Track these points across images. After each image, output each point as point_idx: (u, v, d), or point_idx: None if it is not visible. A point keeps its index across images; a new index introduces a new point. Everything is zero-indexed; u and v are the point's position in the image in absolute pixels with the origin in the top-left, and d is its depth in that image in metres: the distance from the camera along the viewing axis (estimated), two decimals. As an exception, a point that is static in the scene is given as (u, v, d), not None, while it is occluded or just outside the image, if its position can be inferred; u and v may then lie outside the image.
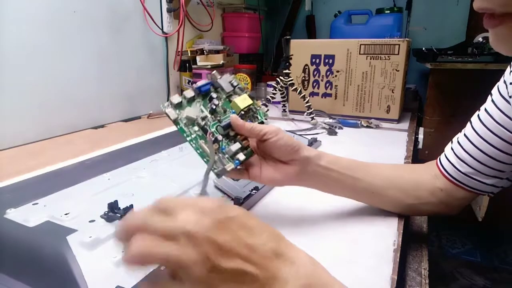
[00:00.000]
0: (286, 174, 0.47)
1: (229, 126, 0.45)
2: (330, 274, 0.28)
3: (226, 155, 0.44)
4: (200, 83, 0.45)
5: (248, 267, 0.25)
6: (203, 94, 0.46)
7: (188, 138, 0.44)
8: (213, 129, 0.45)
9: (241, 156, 0.44)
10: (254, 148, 0.48)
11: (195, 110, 0.45)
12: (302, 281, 0.26)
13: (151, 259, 0.24)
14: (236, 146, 0.44)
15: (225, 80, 0.47)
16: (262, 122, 0.48)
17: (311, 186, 0.50)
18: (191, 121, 0.44)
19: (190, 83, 1.32)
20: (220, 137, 0.44)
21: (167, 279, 0.26)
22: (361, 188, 0.50)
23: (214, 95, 0.46)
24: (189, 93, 0.45)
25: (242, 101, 0.46)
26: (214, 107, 0.45)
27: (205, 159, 0.44)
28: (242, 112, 0.46)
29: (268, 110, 1.10)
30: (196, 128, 0.44)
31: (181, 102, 0.44)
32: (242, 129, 0.45)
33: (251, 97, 0.48)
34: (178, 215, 0.25)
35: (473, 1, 0.31)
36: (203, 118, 0.45)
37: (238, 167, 0.46)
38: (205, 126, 0.45)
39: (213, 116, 0.46)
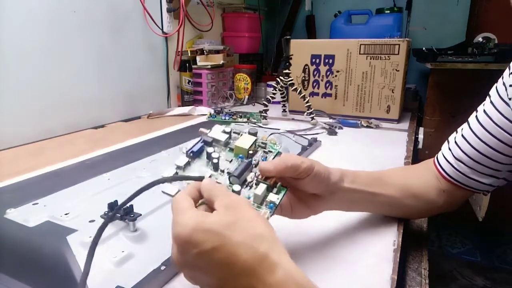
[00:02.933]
0: (316, 207, 0.43)
1: (243, 171, 0.37)
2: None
3: (255, 204, 0.36)
4: (190, 145, 0.39)
5: None
6: (196, 156, 0.39)
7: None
8: (227, 183, 0.37)
9: (273, 198, 0.36)
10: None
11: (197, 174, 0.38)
12: None
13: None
14: (261, 188, 0.36)
15: (216, 132, 0.41)
16: (280, 153, 0.41)
17: (332, 209, 0.46)
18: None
19: (190, 83, 1.32)
20: (238, 188, 0.36)
21: None
22: (379, 202, 0.49)
23: (210, 150, 0.39)
24: (182, 160, 0.38)
25: (245, 142, 0.39)
26: (216, 161, 0.38)
27: None
28: (250, 152, 0.39)
29: (267, 110, 1.10)
30: None
31: (177, 173, 0.38)
32: (274, 170, 0.37)
33: (252, 134, 0.41)
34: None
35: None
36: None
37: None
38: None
39: (219, 172, 0.38)
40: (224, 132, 0.41)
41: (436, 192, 0.51)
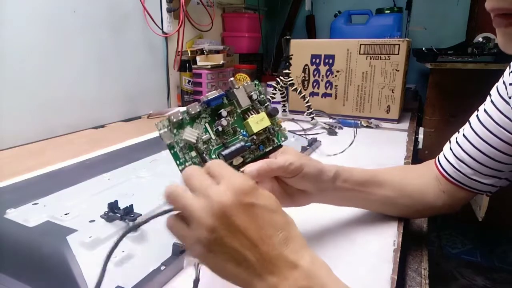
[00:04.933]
0: (302, 201, 0.44)
1: (233, 155, 0.37)
2: (332, 275, 0.29)
3: None
4: (211, 94, 0.37)
5: (249, 254, 0.27)
6: (212, 109, 0.38)
7: (180, 168, 0.36)
8: (213, 156, 0.37)
9: None
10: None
11: (197, 130, 0.37)
12: (299, 284, 0.27)
13: (174, 201, 0.30)
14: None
15: (243, 92, 0.39)
16: (280, 146, 0.41)
17: (325, 202, 0.48)
18: (189, 146, 0.36)
19: (190, 83, 1.32)
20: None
21: (180, 220, 0.30)
22: (373, 200, 0.49)
23: (224, 113, 0.37)
24: (195, 107, 0.37)
25: (258, 122, 0.38)
26: (221, 128, 0.37)
27: None
28: (254, 137, 0.39)
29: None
30: (193, 153, 0.37)
31: (182, 120, 0.36)
32: (256, 175, 0.37)
33: (272, 115, 0.40)
34: (215, 185, 0.29)
35: (485, 1, 0.31)
36: (206, 142, 0.37)
37: None
38: (204, 154, 0.37)
39: (217, 139, 0.38)
40: (250, 97, 0.40)
41: (434, 194, 0.51)
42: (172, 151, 0.36)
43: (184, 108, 0.37)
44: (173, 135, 0.36)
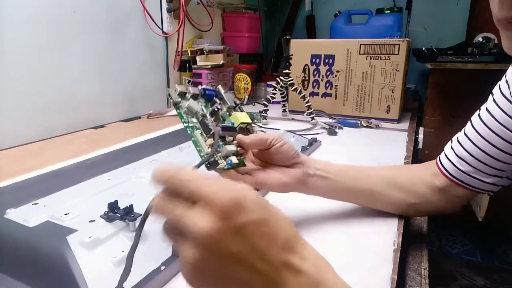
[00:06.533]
0: (292, 177, 0.47)
1: (228, 129, 0.44)
2: (336, 275, 0.29)
3: (220, 154, 0.43)
4: (206, 86, 0.46)
5: (254, 276, 0.25)
6: (206, 97, 0.46)
7: (185, 124, 0.43)
8: (210, 126, 0.45)
9: (234, 159, 0.44)
10: (252, 160, 0.48)
11: (197, 106, 0.44)
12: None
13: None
14: (232, 147, 0.44)
15: (228, 96, 0.48)
16: None
17: (313, 191, 0.50)
18: (192, 112, 0.44)
19: (190, 83, 1.32)
20: (217, 136, 0.44)
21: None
22: (360, 189, 0.50)
23: (217, 100, 0.46)
24: (195, 89, 0.45)
25: (243, 117, 0.47)
26: (216, 109, 0.45)
27: (198, 148, 0.44)
28: (241, 126, 0.46)
29: (267, 110, 1.10)
30: (194, 120, 0.44)
31: (185, 93, 0.44)
32: (249, 143, 0.44)
33: (251, 118, 0.48)
34: (193, 210, 0.25)
35: (487, 3, 0.31)
36: (203, 116, 0.45)
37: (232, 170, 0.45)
38: (205, 120, 0.44)
39: (212, 118, 0.45)
40: (234, 102, 0.49)
41: (429, 186, 0.51)
42: (177, 111, 0.44)
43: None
44: (179, 98, 0.44)
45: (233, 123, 0.46)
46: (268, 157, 0.47)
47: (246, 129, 0.47)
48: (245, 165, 0.46)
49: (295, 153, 0.47)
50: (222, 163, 0.43)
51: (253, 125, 0.48)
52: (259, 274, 0.25)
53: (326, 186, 0.49)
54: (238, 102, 0.49)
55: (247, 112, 0.49)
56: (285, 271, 0.26)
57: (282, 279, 0.26)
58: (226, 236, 0.24)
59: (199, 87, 0.46)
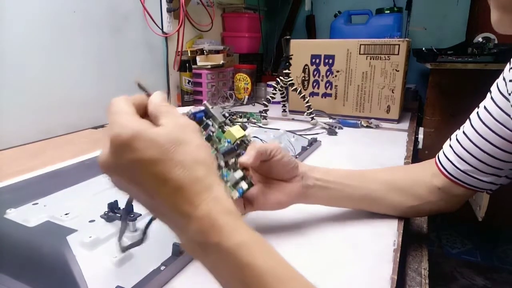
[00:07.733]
0: (290, 193, 0.46)
1: (229, 152, 0.43)
2: (239, 221, 0.27)
3: (229, 183, 0.42)
4: (194, 109, 0.43)
5: (148, 208, 0.29)
6: (197, 120, 0.43)
7: None
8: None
9: (244, 185, 0.43)
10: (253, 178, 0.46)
11: None
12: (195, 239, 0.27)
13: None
14: (239, 174, 0.43)
15: (216, 111, 0.46)
16: None
17: (313, 201, 0.50)
18: None
19: (190, 83, 1.32)
20: (222, 163, 0.42)
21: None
22: (360, 195, 0.50)
23: (210, 122, 0.43)
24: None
25: (237, 131, 0.45)
26: (211, 133, 0.42)
27: None
28: (238, 142, 0.44)
29: (267, 110, 1.10)
30: None
31: None
32: (252, 163, 0.42)
33: (243, 128, 0.46)
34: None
35: (485, 2, 0.31)
36: None
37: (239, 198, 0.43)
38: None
39: (208, 144, 0.42)
40: (223, 115, 0.46)
41: (427, 187, 0.50)
42: None
43: None
44: None
45: (229, 141, 0.44)
46: (267, 170, 0.46)
47: (242, 142, 0.45)
48: (253, 185, 0.45)
49: (294, 166, 0.46)
50: (235, 194, 0.42)
51: (246, 134, 0.46)
52: (150, 210, 0.29)
53: (326, 196, 0.49)
54: (226, 114, 0.46)
55: (239, 125, 0.46)
56: (175, 214, 0.27)
57: (169, 222, 0.28)
58: (115, 171, 0.28)
59: (188, 112, 0.42)
